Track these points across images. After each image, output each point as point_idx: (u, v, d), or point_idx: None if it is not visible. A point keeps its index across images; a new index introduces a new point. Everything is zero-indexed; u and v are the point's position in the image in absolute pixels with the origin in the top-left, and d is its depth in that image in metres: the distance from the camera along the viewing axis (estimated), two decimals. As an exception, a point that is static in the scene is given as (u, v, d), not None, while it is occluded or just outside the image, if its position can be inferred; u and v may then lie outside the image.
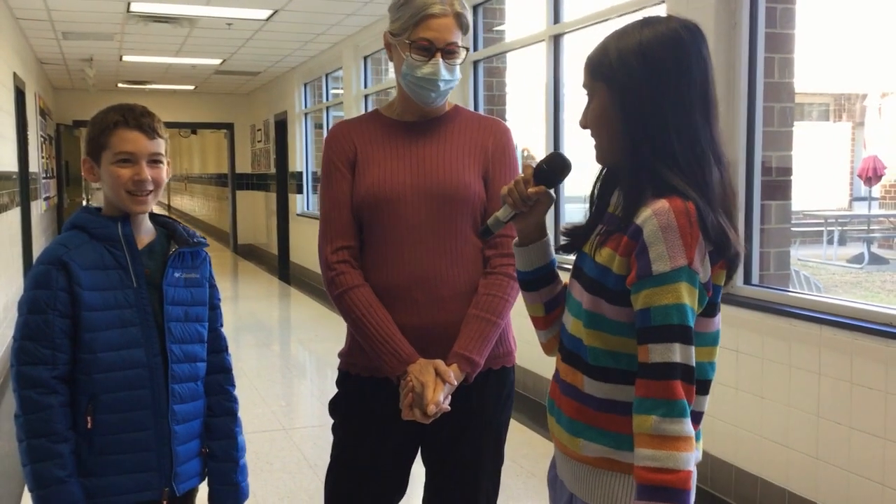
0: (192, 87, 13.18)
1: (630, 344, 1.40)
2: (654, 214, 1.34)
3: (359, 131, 2.05)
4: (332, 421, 2.10)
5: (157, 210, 1.98)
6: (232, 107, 14.12)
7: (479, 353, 1.91)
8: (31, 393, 1.76)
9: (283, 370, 6.48)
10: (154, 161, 1.86)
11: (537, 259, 1.63)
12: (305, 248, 10.50)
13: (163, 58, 9.94)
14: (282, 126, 11.78)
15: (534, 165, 1.56)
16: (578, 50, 4.95)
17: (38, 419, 1.75)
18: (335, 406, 2.10)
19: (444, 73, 1.93)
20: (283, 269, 11.85)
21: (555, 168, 1.54)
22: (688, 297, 1.33)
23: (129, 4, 6.87)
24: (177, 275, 1.92)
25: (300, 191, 11.00)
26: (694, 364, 1.34)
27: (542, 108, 5.18)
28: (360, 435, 2.02)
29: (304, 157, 11.01)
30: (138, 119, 1.84)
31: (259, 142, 13.30)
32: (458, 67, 1.97)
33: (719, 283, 1.41)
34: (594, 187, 1.56)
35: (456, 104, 2.12)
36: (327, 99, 10.17)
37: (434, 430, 1.95)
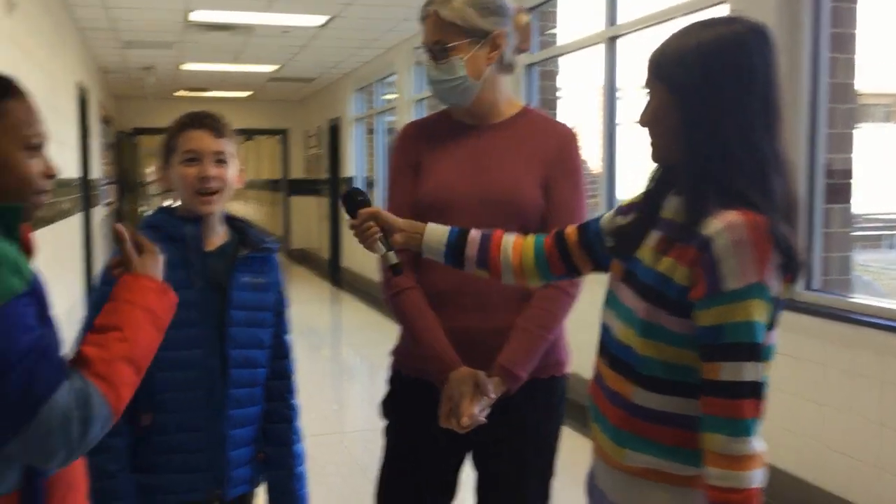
0: (247, 94, 13.40)
1: (687, 356, 1.37)
2: (727, 228, 1.30)
3: (425, 134, 2.08)
4: (382, 425, 2.12)
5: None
6: (286, 113, 14.32)
7: (522, 368, 1.89)
8: None
9: (335, 374, 6.53)
10: (220, 160, 1.87)
11: (435, 249, 1.75)
12: (357, 252, 10.57)
13: (220, 65, 10.12)
14: (335, 132, 11.90)
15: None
16: (636, 52, 4.91)
17: None
18: (385, 405, 2.11)
19: (433, 73, 1.96)
20: (334, 273, 11.95)
21: (348, 202, 1.81)
22: (759, 314, 1.31)
23: (188, 14, 7.02)
24: (244, 279, 1.91)
25: (353, 196, 11.07)
26: (763, 380, 1.32)
27: (594, 112, 5.14)
28: (410, 435, 2.03)
29: (356, 162, 11.10)
30: (202, 119, 1.88)
31: (312, 147, 13.45)
32: (457, 66, 1.93)
33: (782, 296, 1.38)
34: (647, 188, 1.53)
35: (526, 106, 2.10)
36: (380, 104, 10.25)
37: (479, 437, 1.93)
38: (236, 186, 1.94)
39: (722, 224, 1.31)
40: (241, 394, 1.91)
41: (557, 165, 1.98)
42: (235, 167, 1.92)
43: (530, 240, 1.73)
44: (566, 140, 2.01)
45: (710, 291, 1.31)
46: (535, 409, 2.00)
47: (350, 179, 11.13)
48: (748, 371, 1.30)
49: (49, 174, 1.37)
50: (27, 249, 1.33)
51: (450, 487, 2.09)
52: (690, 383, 1.37)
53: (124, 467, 1.80)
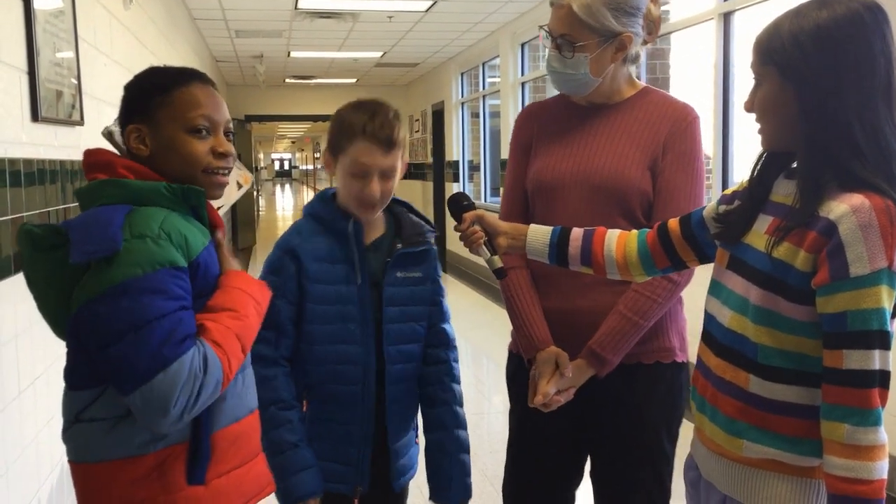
0: (353, 81, 13.59)
1: (805, 343, 1.33)
2: (853, 212, 1.25)
3: (541, 115, 2.06)
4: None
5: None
6: (391, 98, 14.01)
7: (612, 352, 1.86)
8: (256, 367, 1.76)
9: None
10: (386, 175, 1.86)
11: (539, 250, 1.75)
12: (462, 236, 10.57)
13: (327, 53, 10.29)
14: (439, 116, 11.93)
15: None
16: (751, 28, 4.69)
17: (265, 389, 1.77)
18: (508, 384, 2.13)
19: (553, 62, 1.92)
20: (439, 257, 12.00)
21: (454, 206, 1.81)
22: (887, 301, 1.25)
23: (296, 1, 7.14)
24: (398, 274, 1.90)
25: (456, 179, 11.12)
26: (890, 368, 1.27)
27: (708, 91, 4.96)
28: (529, 412, 1.99)
29: (460, 146, 11.10)
30: (376, 133, 1.83)
31: (416, 132, 13.55)
32: (581, 62, 1.87)
33: None
34: (753, 171, 1.47)
35: (647, 85, 2.03)
36: (484, 88, 10.21)
37: (588, 420, 1.96)
38: (402, 172, 1.94)
39: (847, 207, 1.26)
40: (398, 390, 1.91)
41: (668, 148, 1.90)
42: (401, 172, 1.90)
43: (633, 234, 1.72)
44: (681, 122, 1.93)
45: (836, 277, 1.26)
46: (637, 395, 1.95)
47: (454, 163, 11.16)
48: (876, 359, 1.26)
49: (217, 152, 1.52)
50: (216, 225, 1.54)
51: (576, 470, 2.09)
52: (809, 372, 1.33)
53: (303, 438, 1.83)
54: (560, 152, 1.97)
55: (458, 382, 2.02)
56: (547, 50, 1.95)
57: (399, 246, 1.90)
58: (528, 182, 2.00)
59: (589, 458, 2.07)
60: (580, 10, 1.83)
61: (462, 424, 2.00)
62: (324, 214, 1.90)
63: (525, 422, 2.04)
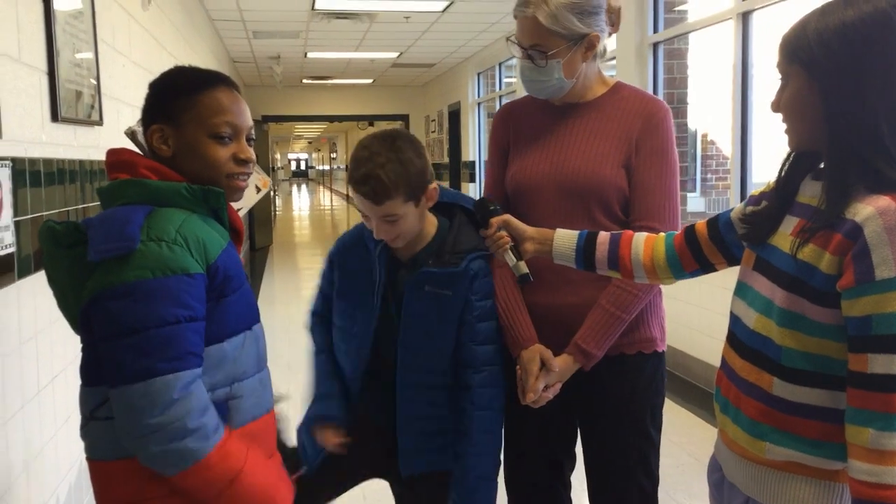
0: (370, 81, 13.62)
1: (829, 346, 1.32)
2: (879, 214, 1.23)
3: (516, 116, 2.10)
4: None
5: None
6: (407, 99, 14.48)
7: (596, 346, 1.90)
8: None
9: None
10: (388, 220, 1.83)
11: (566, 255, 1.75)
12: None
13: (344, 53, 10.32)
14: (455, 116, 11.94)
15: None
16: (770, 28, 4.67)
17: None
18: None
19: (527, 72, 1.94)
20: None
21: (480, 211, 1.82)
22: None
23: (313, 2, 7.16)
24: (426, 289, 1.90)
25: (472, 179, 11.12)
26: None
27: (727, 91, 4.93)
28: (519, 403, 2.00)
29: (476, 146, 11.10)
30: (359, 185, 1.81)
31: (433, 132, 13.56)
32: (554, 69, 1.90)
33: None
34: (780, 172, 1.46)
35: (619, 82, 2.05)
36: (500, 88, 10.20)
37: (574, 406, 2.01)
38: (430, 203, 1.90)
39: (873, 209, 1.24)
40: (409, 393, 1.95)
41: (640, 144, 1.93)
42: (413, 215, 1.86)
43: (661, 237, 1.72)
44: (654, 118, 1.95)
45: (861, 280, 1.24)
46: (621, 384, 1.99)
47: (470, 164, 11.16)
48: None
49: (239, 158, 1.52)
50: (236, 228, 1.54)
51: (567, 455, 2.15)
52: (833, 375, 1.32)
53: (323, 348, 2.08)
54: (536, 154, 2.00)
55: (485, 409, 1.94)
56: (517, 60, 1.97)
57: (430, 265, 1.90)
58: (507, 184, 2.04)
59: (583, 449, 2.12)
60: (546, 20, 1.86)
61: (482, 451, 1.95)
62: (365, 229, 1.95)
63: (516, 412, 2.05)
